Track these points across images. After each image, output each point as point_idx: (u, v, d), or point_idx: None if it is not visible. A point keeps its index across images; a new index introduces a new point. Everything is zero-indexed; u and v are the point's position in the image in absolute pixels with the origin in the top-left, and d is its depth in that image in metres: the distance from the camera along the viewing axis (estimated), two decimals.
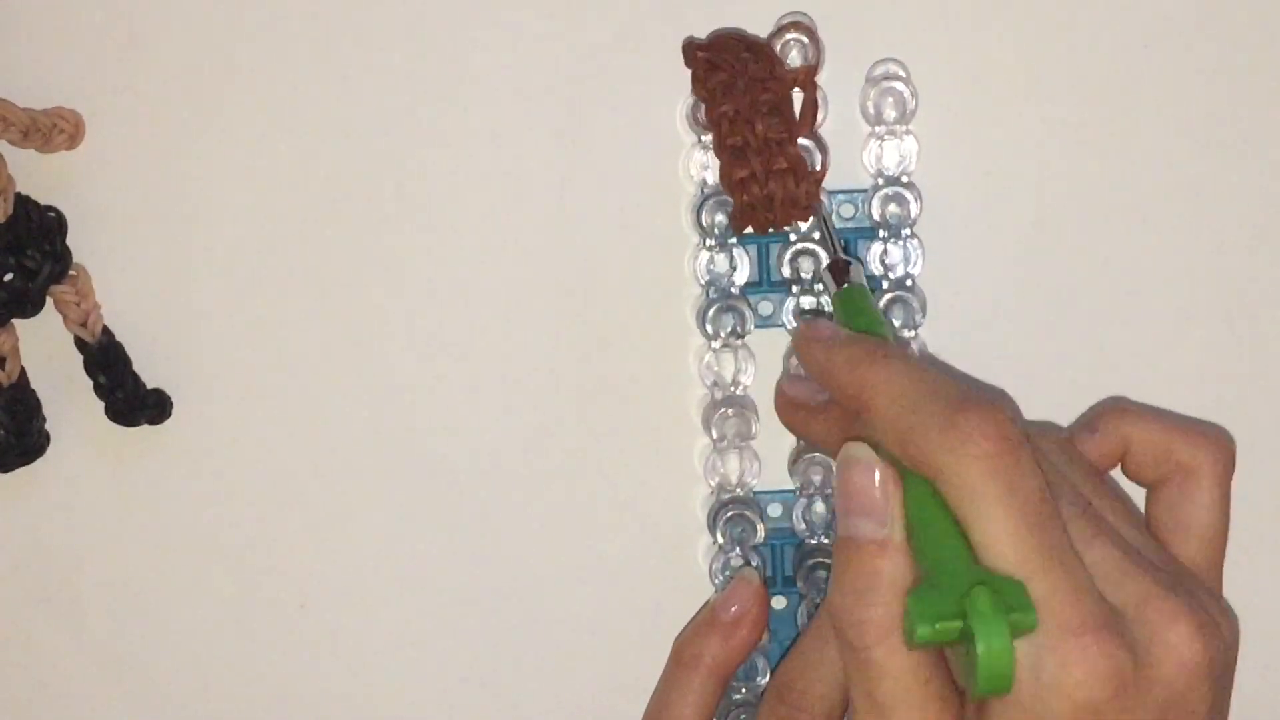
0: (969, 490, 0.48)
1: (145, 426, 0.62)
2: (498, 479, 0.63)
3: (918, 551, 0.49)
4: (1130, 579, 0.49)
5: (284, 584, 0.63)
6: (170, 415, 0.63)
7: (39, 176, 0.61)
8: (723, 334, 0.61)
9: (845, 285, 0.57)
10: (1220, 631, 0.49)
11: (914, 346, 0.60)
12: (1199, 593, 0.50)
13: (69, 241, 0.61)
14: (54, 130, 0.61)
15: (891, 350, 0.52)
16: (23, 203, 0.61)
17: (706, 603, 0.60)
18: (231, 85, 0.61)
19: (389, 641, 0.63)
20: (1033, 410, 0.60)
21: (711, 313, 0.60)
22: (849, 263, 0.57)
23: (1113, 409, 0.56)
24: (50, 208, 0.61)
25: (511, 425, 0.62)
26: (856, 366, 0.52)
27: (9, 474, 0.62)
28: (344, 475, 0.63)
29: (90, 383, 0.62)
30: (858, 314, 0.56)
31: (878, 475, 0.49)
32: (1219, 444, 0.54)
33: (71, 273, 0.61)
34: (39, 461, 0.63)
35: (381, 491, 0.63)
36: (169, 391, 0.63)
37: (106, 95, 0.61)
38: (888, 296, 0.60)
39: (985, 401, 0.49)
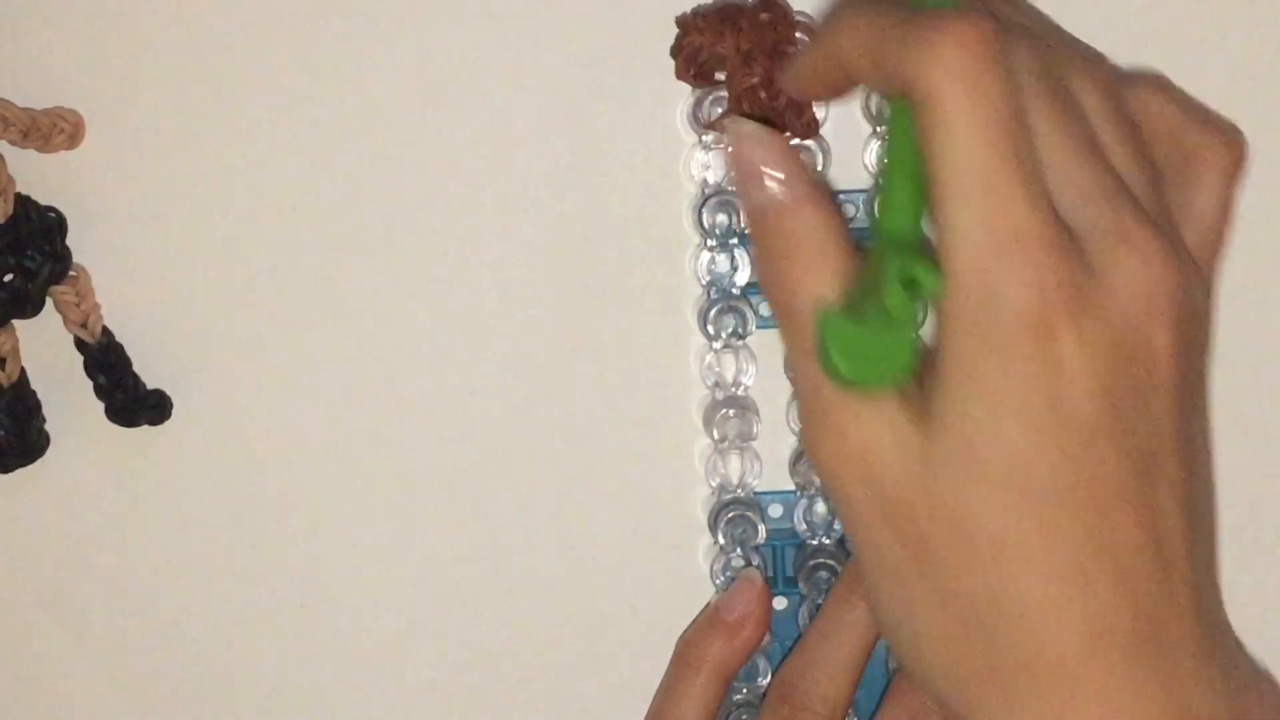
0: (931, 98, 0.47)
1: (145, 427, 0.62)
2: (498, 480, 0.63)
3: (879, 208, 0.49)
4: (1103, 203, 0.48)
5: (284, 584, 0.63)
6: (170, 416, 0.63)
7: (39, 176, 0.61)
8: (724, 335, 0.60)
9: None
10: (1188, 276, 0.48)
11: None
12: (1178, 243, 0.49)
13: (69, 242, 0.61)
14: (54, 130, 0.60)
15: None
16: (23, 203, 0.61)
17: (709, 603, 0.60)
18: (232, 85, 0.61)
19: (390, 641, 0.63)
20: None
21: (713, 313, 0.60)
22: None
23: (1148, 80, 0.53)
24: (50, 208, 0.61)
25: (512, 426, 0.62)
26: (822, 50, 0.51)
27: (9, 475, 0.62)
28: (344, 476, 0.63)
29: (90, 383, 0.62)
30: (904, 132, 0.52)
31: (766, 140, 0.50)
32: (1229, 140, 0.52)
33: (71, 273, 0.61)
34: (39, 462, 0.62)
35: (382, 492, 0.63)
36: (169, 392, 0.62)
37: (107, 95, 0.61)
38: None
39: (972, 13, 0.47)
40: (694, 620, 0.60)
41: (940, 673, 0.49)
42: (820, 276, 0.49)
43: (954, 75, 0.46)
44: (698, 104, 0.60)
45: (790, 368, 0.50)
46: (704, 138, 0.60)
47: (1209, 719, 0.47)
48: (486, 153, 0.61)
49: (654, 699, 0.60)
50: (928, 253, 0.47)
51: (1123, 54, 0.60)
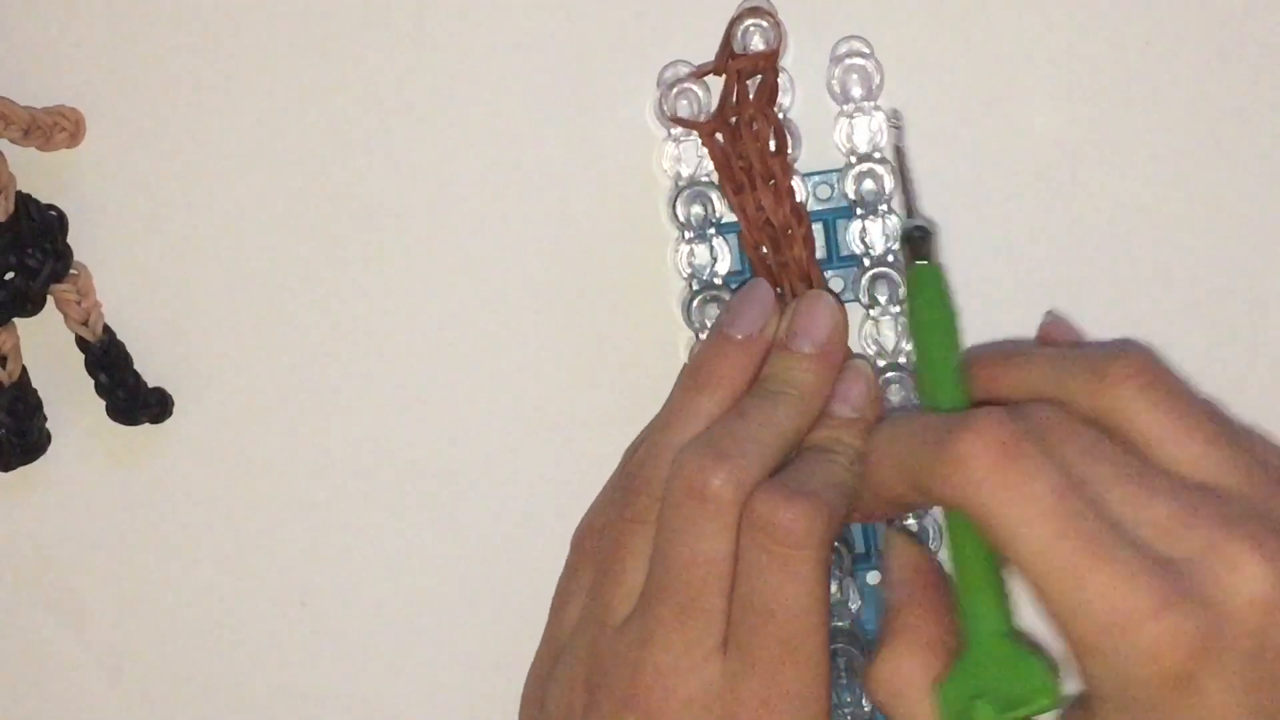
0: (985, 515, 0.47)
1: (146, 425, 0.63)
2: (492, 476, 0.63)
3: (959, 608, 0.50)
4: (1189, 530, 0.47)
5: (285, 581, 0.63)
6: (171, 414, 0.63)
7: (40, 175, 0.61)
8: (708, 325, 0.60)
9: (922, 261, 0.56)
10: None
11: (897, 323, 0.61)
12: (1265, 514, 0.48)
13: (70, 240, 0.62)
14: (55, 128, 0.61)
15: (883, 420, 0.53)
16: (24, 201, 0.61)
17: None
18: (232, 84, 0.62)
19: (390, 638, 0.64)
20: None
21: (695, 305, 0.61)
22: (927, 232, 0.56)
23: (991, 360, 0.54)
24: (51, 206, 0.62)
25: (505, 424, 0.63)
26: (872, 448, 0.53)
27: (10, 473, 0.63)
28: (344, 473, 0.63)
29: (91, 381, 0.62)
30: (929, 303, 0.55)
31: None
32: (1119, 362, 0.51)
33: (72, 271, 0.62)
34: (40, 460, 0.63)
35: (380, 489, 0.63)
36: (170, 390, 0.63)
37: (107, 93, 0.62)
38: (870, 274, 0.60)
39: (970, 419, 0.48)
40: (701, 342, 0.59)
41: None
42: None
43: (994, 492, 0.47)
44: (664, 97, 0.60)
45: None
46: (673, 131, 0.61)
47: None
48: (469, 158, 0.62)
49: (654, 418, 0.58)
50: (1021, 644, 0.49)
51: (1087, 18, 0.61)
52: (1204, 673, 0.46)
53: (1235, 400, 0.60)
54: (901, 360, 0.59)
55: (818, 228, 0.60)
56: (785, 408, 0.55)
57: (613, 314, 0.62)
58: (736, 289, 0.59)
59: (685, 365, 0.58)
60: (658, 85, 0.61)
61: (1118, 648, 0.46)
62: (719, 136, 0.59)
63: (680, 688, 0.52)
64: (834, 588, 0.60)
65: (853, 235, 0.60)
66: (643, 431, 0.59)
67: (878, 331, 0.60)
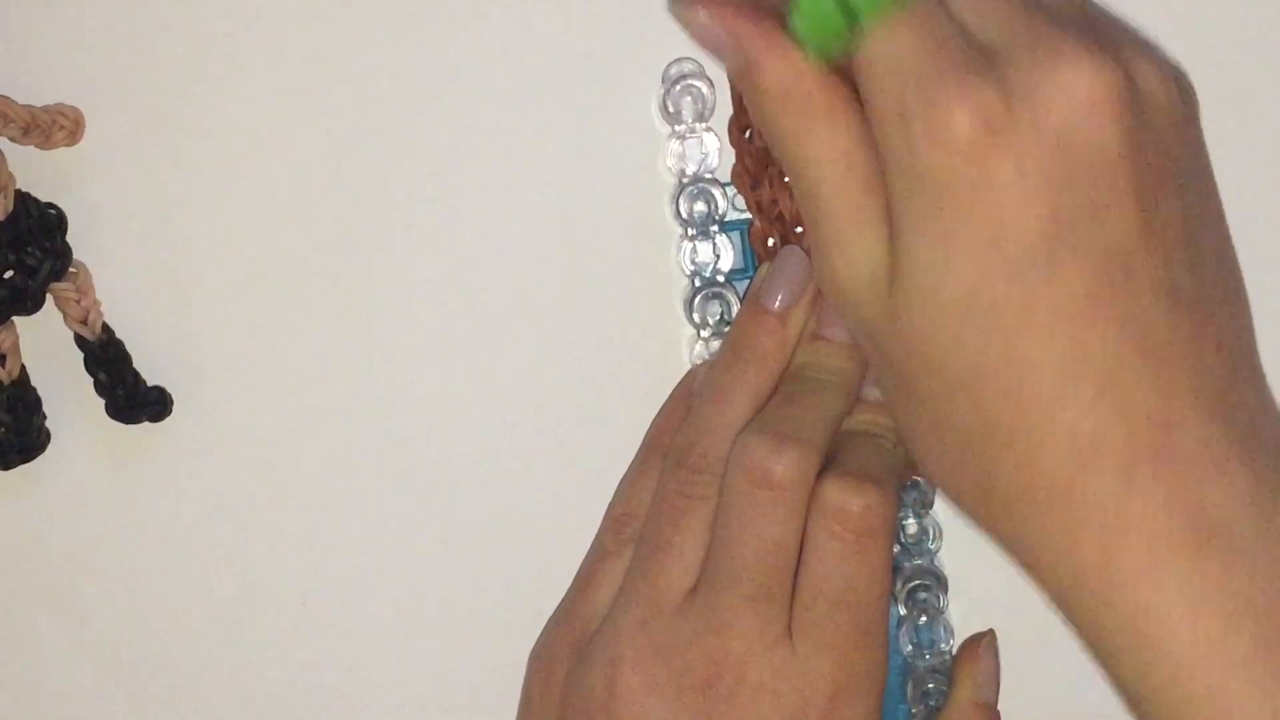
0: None
1: (146, 424, 0.62)
2: (494, 475, 0.63)
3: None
4: (1017, 22, 0.47)
5: (285, 581, 0.63)
6: (171, 413, 0.63)
7: (39, 173, 0.61)
8: (711, 322, 0.61)
9: None
10: (1132, 72, 0.47)
11: None
12: (1122, 41, 0.48)
13: (69, 238, 0.61)
14: (54, 127, 0.61)
15: None
16: (23, 199, 0.61)
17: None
18: (231, 82, 0.62)
19: (391, 638, 0.63)
20: None
21: (698, 302, 0.61)
22: None
23: None
24: (50, 204, 0.61)
25: (508, 423, 0.63)
26: None
27: (9, 472, 0.62)
28: (345, 472, 0.63)
29: (91, 380, 0.62)
30: None
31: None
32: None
33: (72, 270, 0.62)
34: (39, 459, 0.63)
35: (381, 488, 0.63)
36: (170, 389, 0.63)
37: (107, 91, 0.62)
38: None
39: None
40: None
41: (953, 494, 0.49)
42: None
43: None
44: (668, 94, 0.60)
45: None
46: (676, 128, 0.61)
47: (1229, 515, 0.46)
48: (473, 155, 0.62)
49: (695, 402, 0.58)
50: None
51: None
52: (996, 155, 0.46)
53: None
54: None
55: None
56: (830, 393, 0.56)
57: (617, 311, 0.62)
58: (758, 270, 0.59)
59: (727, 338, 0.59)
60: (662, 82, 0.61)
61: (915, 106, 0.46)
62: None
63: (751, 673, 0.53)
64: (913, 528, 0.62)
65: None
66: (662, 409, 0.60)
67: None
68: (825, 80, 0.49)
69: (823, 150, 0.49)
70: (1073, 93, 0.46)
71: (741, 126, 0.60)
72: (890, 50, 0.47)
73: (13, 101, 0.60)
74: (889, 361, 0.49)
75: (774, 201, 0.59)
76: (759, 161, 0.59)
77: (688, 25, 0.50)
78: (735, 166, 0.60)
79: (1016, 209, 0.46)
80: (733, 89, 0.59)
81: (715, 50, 0.50)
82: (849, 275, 0.49)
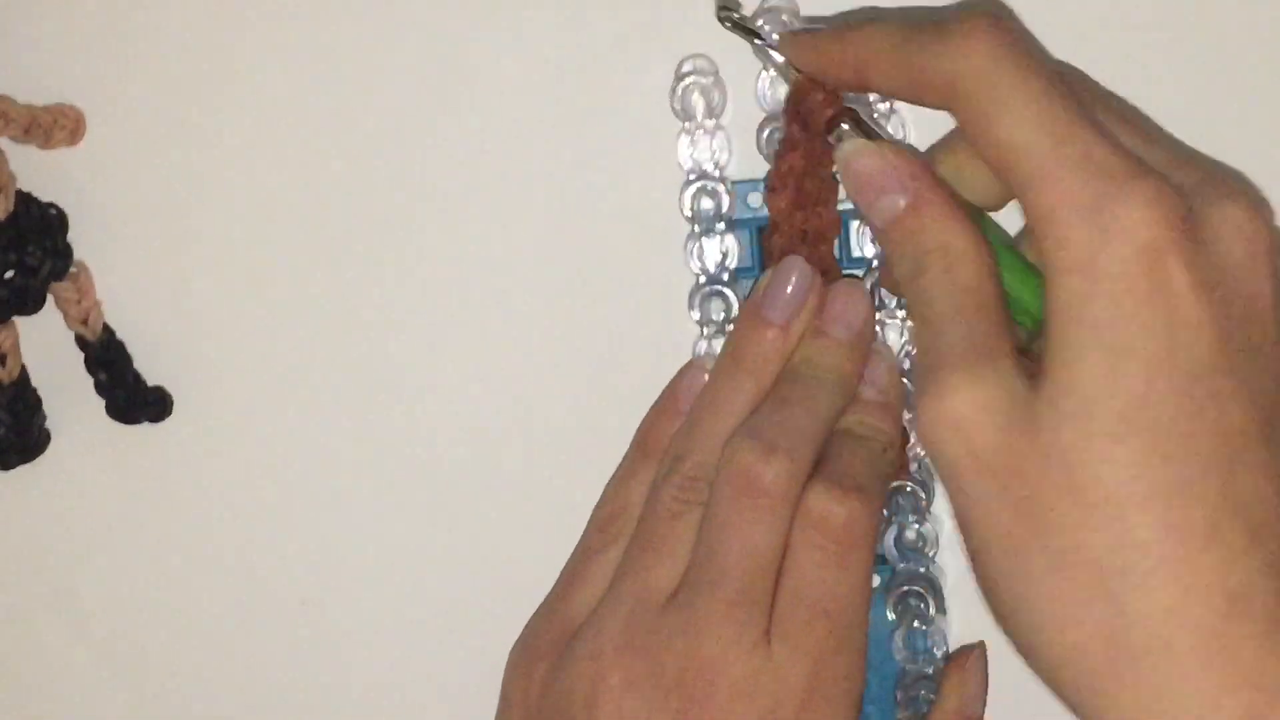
0: (979, 81, 0.48)
1: (146, 424, 0.63)
2: (497, 474, 0.63)
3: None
4: (1180, 167, 0.48)
5: (285, 581, 0.63)
6: (171, 413, 0.63)
7: (40, 173, 0.61)
8: (716, 319, 0.60)
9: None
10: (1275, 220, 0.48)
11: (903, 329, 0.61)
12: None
13: (70, 238, 0.62)
14: (55, 126, 0.61)
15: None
16: (24, 199, 0.61)
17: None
18: (232, 82, 0.62)
19: (390, 638, 0.63)
20: None
21: (701, 299, 0.61)
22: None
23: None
24: (51, 204, 0.61)
25: (511, 421, 0.62)
26: (845, 42, 0.52)
27: (9, 472, 0.63)
28: (344, 472, 0.63)
29: (91, 380, 0.62)
30: None
31: (884, 153, 0.51)
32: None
33: (72, 270, 0.62)
34: (40, 460, 0.63)
35: (381, 488, 0.63)
36: (170, 389, 0.63)
37: (107, 91, 0.62)
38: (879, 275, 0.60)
39: (975, 11, 0.49)
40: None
41: (1061, 655, 0.47)
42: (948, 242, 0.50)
43: (997, 54, 0.48)
44: (675, 90, 0.60)
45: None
46: (687, 124, 0.61)
47: None
48: (480, 149, 0.62)
49: (694, 403, 0.58)
50: None
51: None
52: (1177, 262, 0.45)
53: None
54: (906, 365, 0.59)
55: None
56: (826, 393, 0.55)
57: (627, 307, 0.62)
58: (760, 275, 0.59)
59: (725, 345, 0.58)
60: (675, 78, 0.61)
61: (1103, 203, 0.46)
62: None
63: (726, 676, 0.53)
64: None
65: (865, 235, 0.60)
66: (652, 410, 0.60)
67: (883, 335, 0.60)
68: (969, 219, 0.50)
69: (960, 287, 0.49)
70: (1243, 230, 0.46)
71: (794, 144, 0.58)
72: (1072, 152, 0.46)
73: (14, 101, 0.61)
74: (1011, 490, 0.47)
75: (804, 223, 0.58)
76: (805, 188, 0.58)
77: (849, 160, 0.52)
78: (775, 183, 0.59)
79: (1192, 323, 0.45)
80: (791, 112, 0.57)
81: (871, 188, 0.52)
82: (977, 406, 0.47)
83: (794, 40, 0.55)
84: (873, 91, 0.54)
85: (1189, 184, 0.47)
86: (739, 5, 0.58)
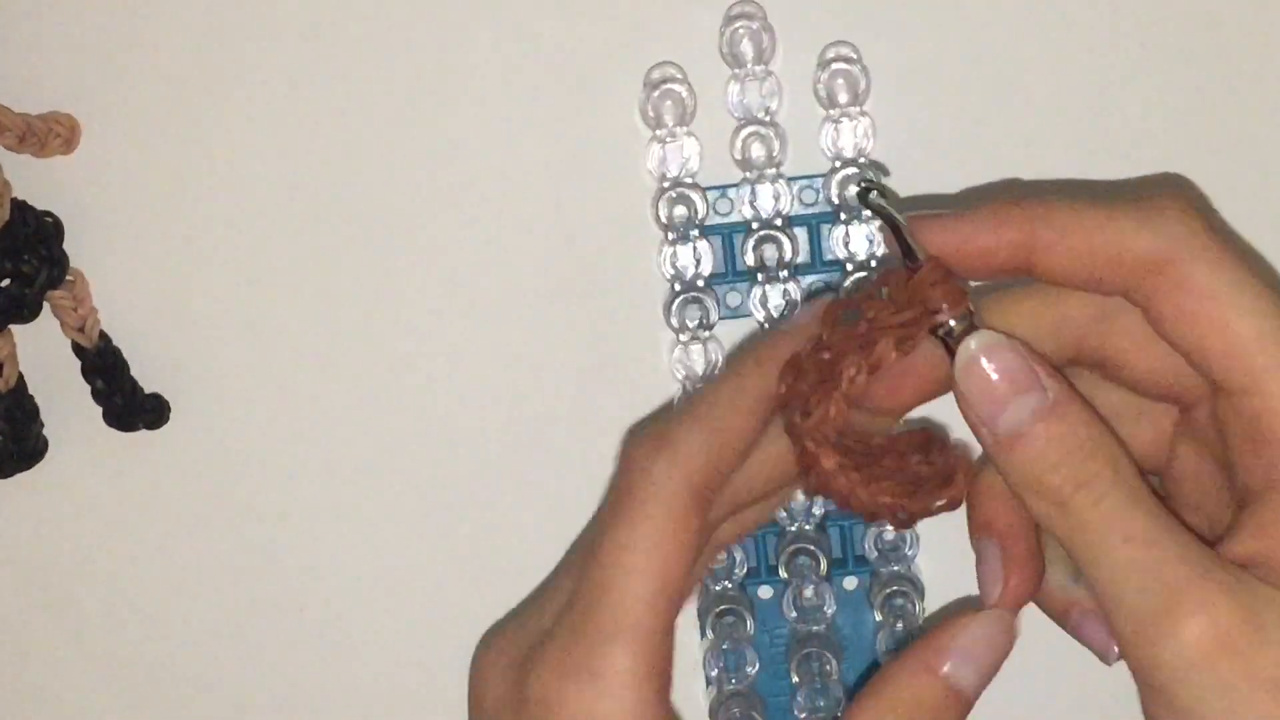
0: (1198, 263, 0.46)
1: (143, 431, 0.63)
2: (486, 479, 0.63)
3: None
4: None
5: (283, 588, 0.63)
6: (168, 420, 0.63)
7: (35, 181, 0.62)
8: (690, 327, 0.61)
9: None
10: None
11: None
12: None
13: (66, 246, 0.62)
14: (50, 135, 0.61)
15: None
16: (19, 208, 0.61)
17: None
18: (227, 90, 0.62)
19: (389, 646, 0.64)
20: None
21: (676, 305, 0.61)
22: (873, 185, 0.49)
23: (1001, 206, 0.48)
24: (47, 213, 0.62)
25: (498, 427, 0.63)
26: (1012, 220, 0.48)
27: (7, 480, 0.63)
28: (341, 478, 0.63)
29: (88, 388, 0.62)
30: None
31: (1015, 349, 0.46)
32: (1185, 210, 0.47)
33: (69, 278, 0.62)
34: (37, 467, 0.63)
35: (376, 494, 0.63)
36: (167, 396, 0.63)
37: (102, 99, 0.62)
38: (853, 279, 0.60)
39: (1172, 191, 0.47)
40: None
41: None
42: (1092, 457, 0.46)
43: (1210, 236, 0.46)
44: (648, 98, 0.61)
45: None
46: (657, 132, 0.61)
47: None
48: (466, 160, 0.62)
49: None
50: None
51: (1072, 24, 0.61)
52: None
53: None
54: None
55: (801, 232, 0.61)
56: None
57: (599, 315, 0.62)
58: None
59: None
60: (644, 86, 0.61)
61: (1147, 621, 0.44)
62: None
63: None
64: (809, 592, 0.61)
65: (836, 240, 0.61)
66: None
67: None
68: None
69: (1145, 495, 0.46)
70: None
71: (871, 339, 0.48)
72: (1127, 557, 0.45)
73: (8, 110, 0.61)
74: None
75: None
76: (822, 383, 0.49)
77: (987, 352, 0.47)
78: (789, 394, 0.49)
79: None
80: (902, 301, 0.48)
81: (1007, 388, 0.47)
82: (1235, 629, 0.45)
83: (936, 223, 0.48)
84: (1034, 275, 0.48)
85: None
86: (882, 176, 0.54)
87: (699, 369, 0.61)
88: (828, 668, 0.60)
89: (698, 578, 0.53)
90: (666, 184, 0.61)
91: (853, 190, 0.50)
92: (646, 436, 0.49)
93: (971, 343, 0.46)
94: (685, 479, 0.48)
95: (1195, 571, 0.44)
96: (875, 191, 0.47)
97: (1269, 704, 0.44)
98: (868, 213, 0.49)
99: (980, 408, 0.46)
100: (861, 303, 0.48)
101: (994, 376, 0.46)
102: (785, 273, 0.61)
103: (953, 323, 0.47)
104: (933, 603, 0.61)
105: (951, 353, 0.47)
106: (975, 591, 0.60)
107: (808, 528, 0.61)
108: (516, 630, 0.53)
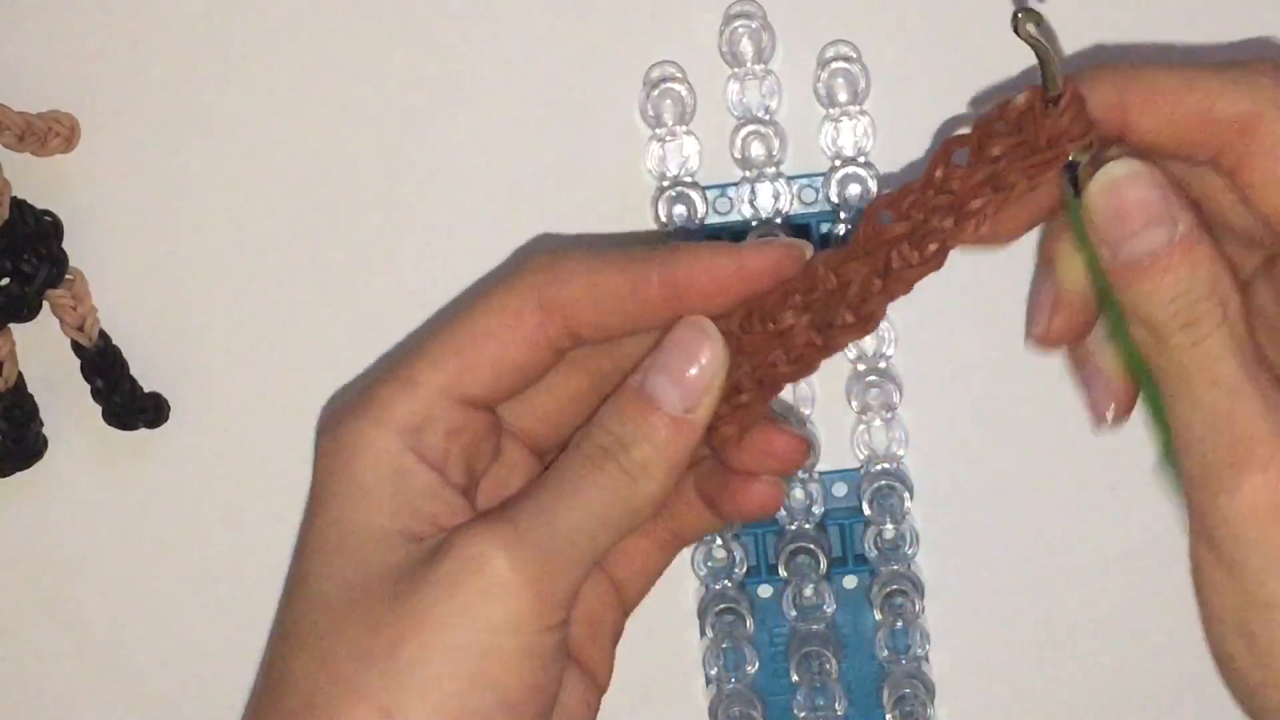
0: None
1: (143, 430, 0.63)
2: None
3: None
4: None
5: (281, 586, 0.63)
6: (168, 418, 0.63)
7: (35, 180, 0.62)
8: None
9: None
10: None
11: None
12: None
13: (65, 245, 0.62)
14: (49, 134, 0.61)
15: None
16: (18, 207, 0.61)
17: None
18: (226, 88, 0.62)
19: None
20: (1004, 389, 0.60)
21: None
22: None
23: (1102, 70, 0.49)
24: (46, 212, 0.62)
25: None
26: (1115, 77, 0.48)
27: (7, 478, 0.63)
28: None
29: (88, 387, 0.62)
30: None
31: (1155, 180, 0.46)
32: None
33: (68, 277, 0.62)
34: (37, 466, 0.63)
35: None
36: (166, 395, 0.63)
37: (102, 99, 0.62)
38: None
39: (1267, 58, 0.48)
40: None
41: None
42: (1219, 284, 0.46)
43: None
44: (648, 97, 0.61)
45: None
46: (657, 131, 0.61)
47: None
48: (466, 159, 0.62)
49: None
50: None
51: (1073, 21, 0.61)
52: None
53: None
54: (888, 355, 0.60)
55: (801, 231, 0.61)
56: None
57: None
58: None
59: None
60: (644, 85, 0.61)
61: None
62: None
63: None
64: (809, 591, 0.61)
65: (835, 240, 0.61)
66: None
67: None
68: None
69: (1245, 345, 0.46)
70: None
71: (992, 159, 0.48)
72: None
73: (8, 109, 0.61)
74: None
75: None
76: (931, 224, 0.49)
77: (1125, 182, 0.47)
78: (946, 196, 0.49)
79: None
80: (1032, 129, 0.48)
81: (1139, 217, 0.47)
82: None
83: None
84: (1128, 140, 0.48)
85: None
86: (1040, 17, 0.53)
87: None
88: (827, 667, 0.60)
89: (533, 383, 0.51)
90: (666, 183, 0.61)
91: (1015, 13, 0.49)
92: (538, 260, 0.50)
93: (1116, 169, 0.47)
94: (534, 290, 0.49)
95: (1270, 429, 0.45)
96: (1032, 24, 0.47)
97: None
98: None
99: (1109, 230, 0.47)
100: (982, 139, 0.48)
101: (1130, 204, 0.46)
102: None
103: (1084, 156, 0.47)
104: (932, 602, 0.61)
105: (1075, 183, 0.47)
106: (976, 592, 0.61)
107: (807, 527, 0.61)
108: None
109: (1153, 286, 0.46)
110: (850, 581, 0.62)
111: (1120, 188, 0.46)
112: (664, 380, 0.49)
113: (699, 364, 0.48)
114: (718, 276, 0.48)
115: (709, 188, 0.61)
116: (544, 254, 0.50)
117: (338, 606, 0.48)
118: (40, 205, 0.62)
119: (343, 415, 0.50)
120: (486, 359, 0.49)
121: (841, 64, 0.60)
